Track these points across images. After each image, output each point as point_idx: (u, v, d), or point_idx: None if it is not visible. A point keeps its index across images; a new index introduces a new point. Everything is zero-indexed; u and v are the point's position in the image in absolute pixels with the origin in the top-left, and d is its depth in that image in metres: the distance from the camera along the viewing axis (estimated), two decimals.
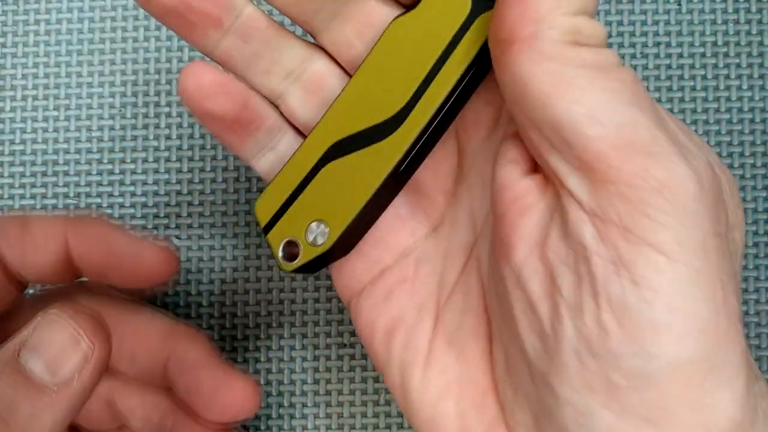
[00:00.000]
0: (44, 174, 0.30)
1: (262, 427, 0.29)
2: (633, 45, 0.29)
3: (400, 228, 0.23)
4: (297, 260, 0.22)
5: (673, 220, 0.17)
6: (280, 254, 0.22)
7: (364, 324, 0.22)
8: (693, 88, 0.29)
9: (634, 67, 0.29)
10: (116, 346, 0.21)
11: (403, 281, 0.22)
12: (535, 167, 0.19)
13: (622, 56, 0.29)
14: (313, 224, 0.22)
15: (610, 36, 0.29)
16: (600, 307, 0.17)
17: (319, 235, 0.21)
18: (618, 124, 0.17)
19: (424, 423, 0.21)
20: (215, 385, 0.25)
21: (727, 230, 0.18)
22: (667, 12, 0.30)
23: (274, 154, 0.23)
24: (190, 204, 0.30)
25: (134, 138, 0.30)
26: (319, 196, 0.21)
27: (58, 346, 0.20)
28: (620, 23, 0.30)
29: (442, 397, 0.21)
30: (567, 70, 0.17)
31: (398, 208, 0.23)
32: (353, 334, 0.29)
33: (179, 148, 0.30)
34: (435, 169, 0.22)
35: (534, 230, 0.18)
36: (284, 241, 0.22)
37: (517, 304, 0.19)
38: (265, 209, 0.22)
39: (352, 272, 0.23)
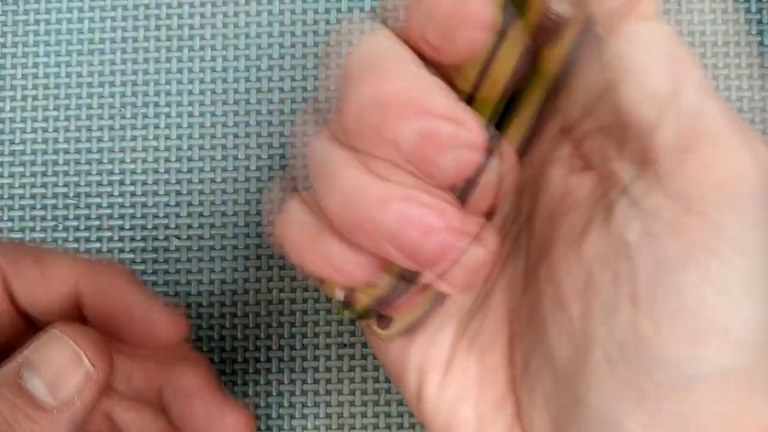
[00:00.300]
0: (44, 174, 0.30)
1: (262, 427, 0.29)
2: None
3: None
4: (357, 307, 0.21)
5: (731, 220, 0.16)
6: (339, 302, 0.21)
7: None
8: None
9: None
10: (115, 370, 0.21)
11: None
12: (584, 166, 0.19)
13: None
14: None
15: None
16: (637, 310, 0.16)
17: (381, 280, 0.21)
18: (681, 115, 0.16)
19: (440, 428, 0.21)
20: (208, 415, 0.24)
21: None
22: (667, 12, 0.30)
23: None
24: (189, 204, 0.30)
25: (134, 138, 0.30)
26: None
27: (60, 366, 0.19)
28: None
29: (460, 400, 0.20)
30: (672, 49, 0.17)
31: None
32: (353, 334, 0.29)
33: (179, 149, 0.30)
34: None
35: (575, 227, 0.18)
36: (338, 289, 0.21)
37: (548, 303, 0.18)
38: None
39: None
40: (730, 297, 0.16)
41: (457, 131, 0.17)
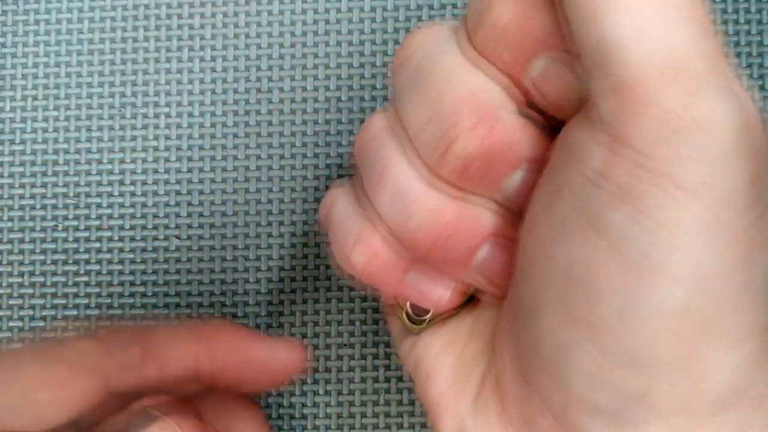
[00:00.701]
0: (44, 174, 0.30)
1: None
2: None
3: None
4: (426, 321, 0.22)
5: (702, 157, 0.15)
6: (409, 318, 0.22)
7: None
8: None
9: None
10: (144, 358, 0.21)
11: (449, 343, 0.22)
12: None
13: None
14: None
15: None
16: (596, 235, 0.16)
17: None
18: (671, 45, 0.16)
19: (422, 374, 0.21)
20: (262, 357, 0.24)
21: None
22: None
23: None
24: (189, 204, 0.30)
25: (134, 138, 0.30)
26: None
27: None
28: None
29: (448, 346, 0.21)
30: None
31: None
32: (353, 334, 0.29)
33: (179, 149, 0.30)
34: None
35: (551, 164, 0.18)
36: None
37: (525, 239, 0.18)
38: None
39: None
40: (674, 233, 0.15)
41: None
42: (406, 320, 0.22)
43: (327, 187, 0.29)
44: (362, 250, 0.20)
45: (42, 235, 0.30)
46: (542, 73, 0.18)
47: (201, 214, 0.30)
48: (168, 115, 0.30)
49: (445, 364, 0.21)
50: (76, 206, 0.30)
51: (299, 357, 0.24)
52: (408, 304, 0.22)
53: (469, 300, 0.21)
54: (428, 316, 0.21)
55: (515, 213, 0.19)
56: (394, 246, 0.20)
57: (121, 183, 0.30)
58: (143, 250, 0.30)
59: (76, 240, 0.30)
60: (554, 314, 0.17)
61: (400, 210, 0.19)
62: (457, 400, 0.20)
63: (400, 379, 0.29)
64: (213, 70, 0.30)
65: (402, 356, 0.23)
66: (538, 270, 0.18)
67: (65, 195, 0.30)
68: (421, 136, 0.19)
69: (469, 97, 0.18)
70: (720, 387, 0.16)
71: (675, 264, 0.15)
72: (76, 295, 0.30)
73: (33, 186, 0.30)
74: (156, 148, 0.30)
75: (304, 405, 0.29)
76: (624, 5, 0.16)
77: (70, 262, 0.30)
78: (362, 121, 0.29)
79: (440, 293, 0.20)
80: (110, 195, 0.30)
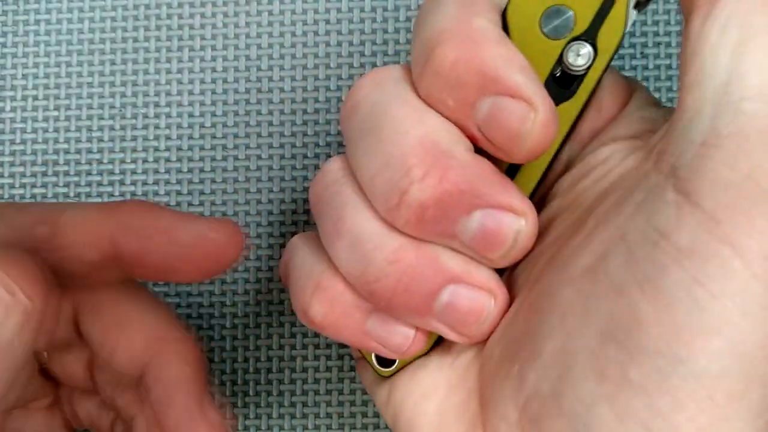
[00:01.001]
0: (44, 174, 0.30)
1: (263, 427, 0.29)
2: (633, 45, 0.29)
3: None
4: (392, 367, 0.22)
5: (764, 224, 0.15)
6: (376, 363, 0.22)
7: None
8: None
9: (634, 68, 0.29)
10: (100, 341, 0.20)
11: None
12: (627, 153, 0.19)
13: (622, 57, 0.29)
14: None
15: None
16: (643, 294, 0.16)
17: None
18: (762, 88, 0.15)
19: (403, 423, 0.20)
20: (182, 418, 0.22)
21: None
22: (667, 12, 0.30)
23: None
24: (190, 204, 0.30)
25: (134, 138, 0.30)
26: None
27: None
28: None
29: (426, 396, 0.20)
30: (751, 33, 0.15)
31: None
32: None
33: (179, 149, 0.30)
34: None
35: (608, 199, 0.18)
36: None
37: (552, 286, 0.18)
38: None
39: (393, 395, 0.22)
40: (726, 305, 0.15)
41: (512, 219, 0.18)
42: (376, 365, 0.22)
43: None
44: (321, 297, 0.20)
45: None
46: (487, 116, 0.18)
47: (201, 214, 0.30)
48: (168, 115, 0.30)
49: (427, 413, 0.20)
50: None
51: (235, 240, 0.22)
52: (373, 355, 0.22)
53: (438, 343, 0.21)
54: (396, 360, 0.21)
55: (476, 258, 0.19)
56: (352, 294, 0.20)
57: (122, 183, 0.30)
58: None
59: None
60: (584, 368, 0.16)
61: (358, 257, 0.19)
62: None
63: None
64: (213, 70, 0.30)
65: (379, 406, 0.22)
66: (572, 320, 0.17)
67: (66, 195, 0.30)
68: (373, 186, 0.19)
69: (419, 142, 0.18)
70: None
71: (725, 336, 0.15)
72: None
73: (33, 186, 0.30)
74: (156, 148, 0.30)
75: (304, 405, 0.29)
76: (761, 48, 0.15)
77: None
78: None
79: (401, 341, 0.20)
80: (111, 195, 0.30)
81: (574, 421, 0.16)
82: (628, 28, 0.19)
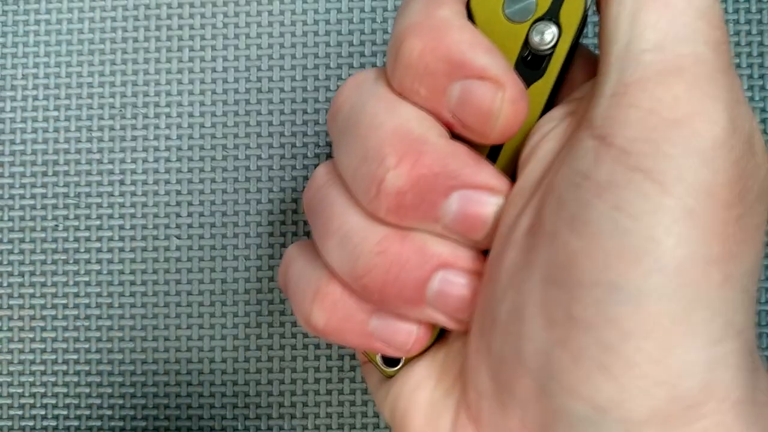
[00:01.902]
0: (44, 174, 0.30)
1: (263, 427, 0.29)
2: None
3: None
4: (398, 366, 0.22)
5: (680, 155, 0.16)
6: (380, 361, 0.22)
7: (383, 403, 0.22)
8: None
9: None
10: None
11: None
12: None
13: None
14: None
15: None
16: (572, 231, 0.16)
17: None
18: (680, 50, 0.16)
19: (398, 416, 0.21)
20: None
21: (755, 202, 0.16)
22: None
23: None
24: (190, 204, 0.30)
25: (134, 138, 0.30)
26: None
27: None
28: None
29: (421, 386, 0.21)
30: None
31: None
32: None
33: (179, 149, 0.30)
34: None
35: (540, 162, 0.18)
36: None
37: (507, 251, 0.18)
38: None
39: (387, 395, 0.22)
40: (648, 225, 0.16)
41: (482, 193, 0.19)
42: (382, 365, 0.22)
43: None
44: (320, 307, 0.20)
45: (42, 235, 0.30)
46: (458, 100, 0.18)
47: (201, 214, 0.30)
48: (168, 115, 0.30)
49: (420, 401, 0.20)
50: (77, 206, 0.30)
51: None
52: (378, 355, 0.22)
53: (440, 336, 0.21)
54: (402, 358, 0.21)
55: (461, 241, 0.19)
56: (351, 296, 0.20)
57: (122, 183, 0.30)
58: (143, 249, 0.30)
59: (77, 240, 0.30)
60: (534, 319, 0.17)
61: (347, 253, 0.19)
62: None
63: None
64: (213, 70, 0.30)
65: (379, 404, 0.22)
66: (518, 277, 0.18)
67: (66, 195, 0.30)
68: (354, 182, 0.19)
69: (393, 133, 0.18)
70: (694, 392, 0.16)
71: (651, 254, 0.16)
72: (76, 295, 0.30)
73: (33, 186, 0.30)
74: (156, 148, 0.30)
75: (305, 404, 0.29)
76: (656, 6, 0.17)
77: (71, 262, 0.30)
78: None
79: (405, 337, 0.20)
80: (111, 195, 0.30)
81: (538, 374, 0.17)
82: (589, 4, 0.19)
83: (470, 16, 0.20)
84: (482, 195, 0.19)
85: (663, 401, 0.16)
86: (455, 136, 0.19)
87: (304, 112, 0.30)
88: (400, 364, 0.22)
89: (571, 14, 0.19)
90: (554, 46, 0.19)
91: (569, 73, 0.20)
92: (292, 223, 0.29)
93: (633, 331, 0.16)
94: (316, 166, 0.29)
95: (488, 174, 0.19)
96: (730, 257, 0.16)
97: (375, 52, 0.30)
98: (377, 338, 0.20)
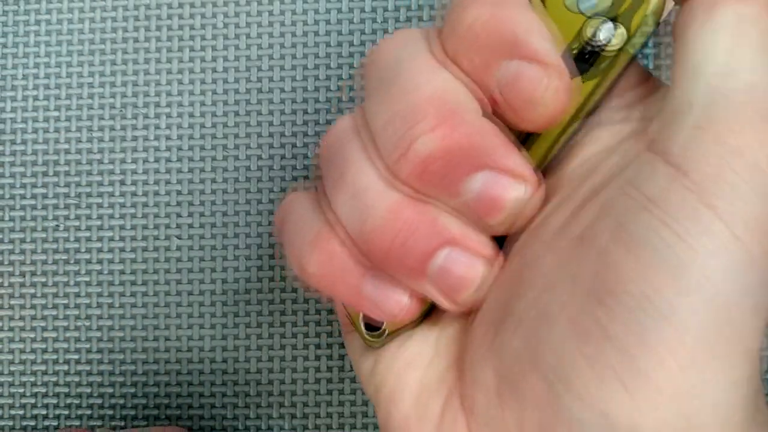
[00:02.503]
0: (45, 174, 0.30)
1: (263, 427, 0.29)
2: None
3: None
4: (382, 335, 0.21)
5: (756, 200, 0.16)
6: (365, 332, 0.22)
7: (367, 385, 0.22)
8: None
9: None
10: None
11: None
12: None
13: None
14: None
15: None
16: (628, 253, 0.16)
17: None
18: (752, 83, 0.17)
19: (385, 396, 0.21)
20: None
21: None
22: (668, 13, 0.30)
23: None
24: (190, 204, 0.30)
25: (135, 138, 0.30)
26: None
27: None
28: None
29: (410, 366, 0.20)
30: (762, 36, 0.17)
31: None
32: None
33: (180, 149, 0.30)
34: None
35: (598, 175, 0.18)
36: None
37: (534, 252, 0.18)
38: None
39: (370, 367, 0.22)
40: (705, 262, 0.16)
41: (510, 182, 0.18)
42: (364, 331, 0.21)
43: None
44: (318, 252, 0.20)
45: (43, 235, 0.30)
46: (509, 77, 0.18)
47: (202, 214, 0.30)
48: (169, 116, 0.30)
49: (408, 383, 0.20)
50: (77, 206, 0.30)
51: None
52: (361, 316, 0.21)
53: (428, 315, 0.21)
54: (384, 326, 0.21)
55: (474, 222, 0.19)
56: (351, 250, 0.20)
57: (122, 183, 0.30)
58: (144, 249, 0.30)
59: (77, 240, 0.30)
60: (564, 327, 0.17)
61: (358, 210, 0.19)
62: (421, 423, 0.20)
63: None
64: (214, 70, 0.30)
65: (363, 380, 0.22)
66: (553, 284, 0.17)
67: (66, 195, 0.30)
68: (383, 134, 0.19)
69: (433, 96, 0.18)
70: (704, 412, 0.16)
71: (693, 273, 0.16)
72: (77, 295, 0.30)
73: (34, 186, 0.30)
74: (157, 149, 0.30)
75: (305, 404, 0.29)
76: (753, 44, 0.17)
77: (72, 262, 0.30)
78: None
79: (395, 304, 0.20)
80: (111, 195, 0.30)
81: (549, 373, 0.17)
82: (663, 17, 0.19)
83: None
84: (508, 180, 0.18)
85: (671, 416, 0.16)
86: (487, 115, 0.19)
87: (305, 112, 0.30)
88: (384, 336, 0.21)
89: (637, 20, 0.19)
90: (608, 46, 0.19)
91: (617, 80, 0.20)
92: None
93: (656, 345, 0.16)
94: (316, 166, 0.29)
95: (518, 160, 0.18)
96: (763, 287, 0.16)
97: None
98: (366, 297, 0.20)
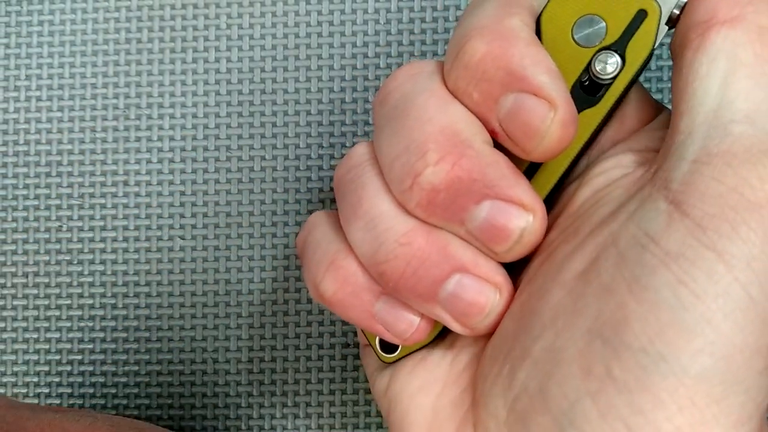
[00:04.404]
0: (48, 175, 0.30)
1: (266, 427, 0.29)
2: None
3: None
4: (396, 353, 0.22)
5: (755, 240, 0.16)
6: (380, 347, 0.22)
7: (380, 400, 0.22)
8: None
9: None
10: None
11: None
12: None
13: None
14: None
15: None
16: (631, 293, 0.16)
17: None
18: (748, 111, 0.16)
19: (397, 418, 0.21)
20: None
21: None
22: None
23: None
24: (194, 205, 0.30)
25: (138, 139, 0.30)
26: None
27: None
28: None
29: (423, 390, 0.21)
30: (757, 61, 0.17)
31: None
32: (356, 334, 0.29)
33: (183, 150, 0.30)
34: None
35: (604, 207, 0.18)
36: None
37: (545, 287, 0.18)
38: None
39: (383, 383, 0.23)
40: (709, 307, 0.16)
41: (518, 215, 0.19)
42: (379, 350, 0.22)
43: (331, 189, 0.29)
44: (334, 275, 0.20)
45: (46, 236, 0.30)
46: (509, 111, 0.18)
47: (205, 215, 0.30)
48: (172, 116, 0.30)
49: (421, 406, 0.21)
50: (81, 207, 0.30)
51: None
52: (377, 339, 0.22)
53: (441, 335, 0.21)
54: (399, 346, 0.22)
55: (483, 250, 0.19)
56: (365, 276, 0.20)
57: (126, 184, 0.30)
58: (147, 250, 0.30)
59: (81, 240, 0.30)
60: (571, 365, 0.17)
61: (372, 239, 0.19)
62: None
63: None
64: (217, 71, 0.30)
65: (377, 396, 0.22)
66: (562, 320, 0.18)
67: (69, 196, 0.30)
68: (391, 170, 0.19)
69: (440, 130, 0.19)
70: None
71: (706, 336, 0.16)
72: (80, 296, 0.30)
73: (37, 187, 0.30)
74: (160, 149, 0.30)
75: (308, 404, 0.29)
76: (745, 87, 0.17)
77: (75, 262, 0.30)
78: (366, 122, 0.30)
79: (407, 326, 0.20)
80: (114, 196, 0.30)
81: (559, 417, 0.17)
82: (657, 43, 0.19)
83: (538, 31, 0.20)
84: (513, 209, 0.19)
85: None
86: (498, 146, 0.19)
87: (308, 113, 0.30)
88: (397, 353, 0.22)
89: (638, 49, 0.19)
90: (615, 78, 0.19)
91: (620, 107, 0.20)
92: (296, 224, 0.29)
93: (668, 402, 0.16)
94: (320, 167, 0.29)
95: (524, 190, 0.19)
96: (762, 327, 0.16)
97: (378, 53, 0.30)
98: (379, 320, 0.20)
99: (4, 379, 0.30)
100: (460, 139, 0.19)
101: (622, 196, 0.18)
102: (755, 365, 0.16)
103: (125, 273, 0.30)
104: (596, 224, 0.18)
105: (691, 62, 0.18)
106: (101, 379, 0.30)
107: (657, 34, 0.19)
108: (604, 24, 0.19)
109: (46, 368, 0.30)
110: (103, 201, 0.30)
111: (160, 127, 0.30)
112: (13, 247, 0.30)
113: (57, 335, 0.30)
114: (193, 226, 0.30)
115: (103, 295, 0.30)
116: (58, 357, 0.30)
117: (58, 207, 0.30)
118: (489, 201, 0.18)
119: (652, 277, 0.16)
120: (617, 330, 0.16)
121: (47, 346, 0.30)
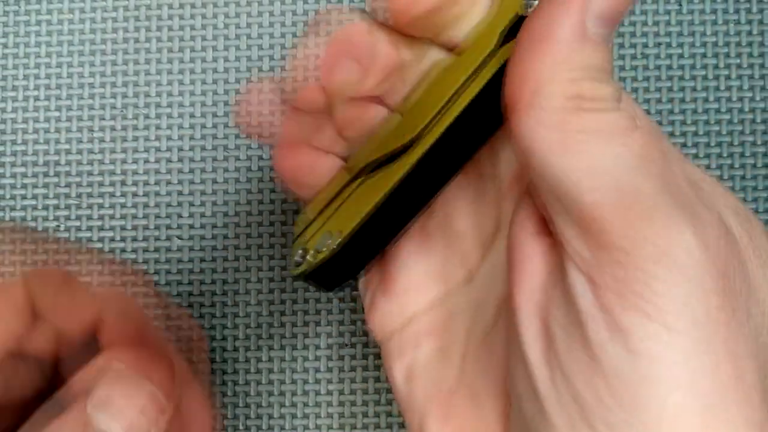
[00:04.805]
0: (46, 174, 0.30)
1: (264, 427, 0.29)
2: (633, 45, 0.29)
3: (434, 275, 0.22)
4: (300, 267, 0.22)
5: (671, 289, 0.16)
6: (294, 262, 0.22)
7: (391, 366, 0.22)
8: (693, 89, 0.29)
9: (634, 68, 0.29)
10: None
11: (432, 330, 0.22)
12: (547, 229, 0.19)
13: (622, 57, 0.29)
14: (325, 235, 0.22)
15: None
16: (594, 374, 0.16)
17: (325, 246, 0.21)
18: (617, 190, 0.16)
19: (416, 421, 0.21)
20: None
21: (748, 299, 0.17)
22: (668, 12, 0.30)
23: None
24: (191, 204, 0.30)
25: (135, 138, 0.30)
26: (338, 212, 0.22)
27: (137, 409, 0.19)
28: (621, 24, 0.30)
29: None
30: (567, 137, 0.17)
31: (432, 255, 0.22)
32: (354, 334, 0.29)
33: (180, 149, 0.30)
34: (476, 221, 0.22)
35: (536, 294, 0.18)
36: (299, 250, 0.22)
37: (518, 367, 0.18)
38: (300, 223, 0.23)
39: (384, 314, 0.22)
40: (667, 367, 0.16)
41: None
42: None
43: None
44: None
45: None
46: None
47: (202, 215, 0.30)
48: (169, 116, 0.30)
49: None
50: (78, 206, 0.30)
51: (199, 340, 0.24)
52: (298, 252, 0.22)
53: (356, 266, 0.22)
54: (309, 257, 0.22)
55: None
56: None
57: (123, 183, 0.30)
58: (145, 250, 0.30)
59: (78, 240, 0.30)
60: None
61: None
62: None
63: None
64: (214, 70, 0.30)
65: (395, 389, 0.23)
66: (541, 407, 0.18)
67: (67, 195, 0.30)
68: None
69: None
70: None
71: (675, 397, 0.16)
72: None
73: (35, 186, 0.30)
74: (158, 149, 0.30)
75: (305, 405, 0.29)
76: (571, 161, 0.17)
77: (72, 262, 0.30)
78: None
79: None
80: (112, 195, 0.30)
81: None
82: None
83: None
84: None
85: None
86: None
87: None
88: (300, 267, 0.22)
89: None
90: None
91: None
92: (293, 224, 0.29)
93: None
94: None
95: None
96: (737, 355, 0.16)
97: None
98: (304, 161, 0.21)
99: None
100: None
101: (549, 272, 0.18)
102: (730, 404, 0.16)
103: None
104: (533, 305, 0.18)
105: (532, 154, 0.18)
106: None
107: None
108: None
109: None
110: (100, 200, 0.30)
111: (158, 127, 0.30)
112: (11, 247, 0.30)
113: None
114: (191, 226, 0.30)
115: None
116: None
117: (56, 206, 0.30)
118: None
119: (605, 354, 0.16)
120: (595, 412, 0.17)
121: None
